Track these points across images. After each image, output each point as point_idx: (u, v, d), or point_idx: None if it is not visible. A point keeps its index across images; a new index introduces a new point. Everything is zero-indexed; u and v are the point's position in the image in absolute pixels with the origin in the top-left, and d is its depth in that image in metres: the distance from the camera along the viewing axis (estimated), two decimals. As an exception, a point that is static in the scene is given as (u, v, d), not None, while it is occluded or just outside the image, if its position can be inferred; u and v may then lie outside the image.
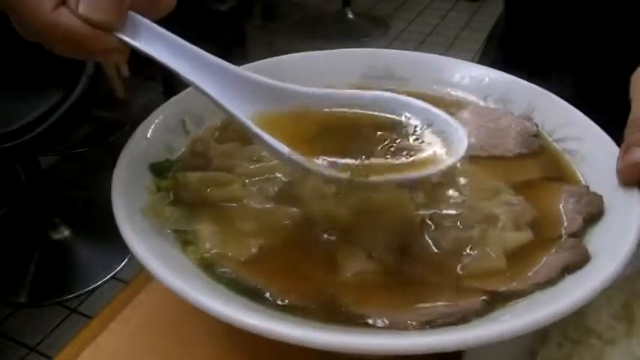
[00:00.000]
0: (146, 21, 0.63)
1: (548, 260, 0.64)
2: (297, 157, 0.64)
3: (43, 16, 0.56)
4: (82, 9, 0.57)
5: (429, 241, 0.67)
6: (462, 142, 0.67)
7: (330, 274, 0.64)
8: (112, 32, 0.60)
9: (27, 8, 0.57)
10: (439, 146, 0.68)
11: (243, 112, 0.67)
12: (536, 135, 0.83)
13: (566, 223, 0.69)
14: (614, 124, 0.78)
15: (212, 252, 0.65)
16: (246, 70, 0.71)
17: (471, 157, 0.80)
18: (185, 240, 0.67)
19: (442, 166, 0.65)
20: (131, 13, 0.62)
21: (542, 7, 1.30)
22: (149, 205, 0.69)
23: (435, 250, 0.66)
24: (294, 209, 0.70)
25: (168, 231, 0.68)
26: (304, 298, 0.61)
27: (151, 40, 0.64)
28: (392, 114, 0.71)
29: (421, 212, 0.70)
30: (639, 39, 1.11)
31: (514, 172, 0.78)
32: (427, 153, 0.67)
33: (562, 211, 0.71)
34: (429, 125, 0.70)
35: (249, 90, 0.70)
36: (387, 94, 0.73)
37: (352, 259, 0.65)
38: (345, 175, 0.63)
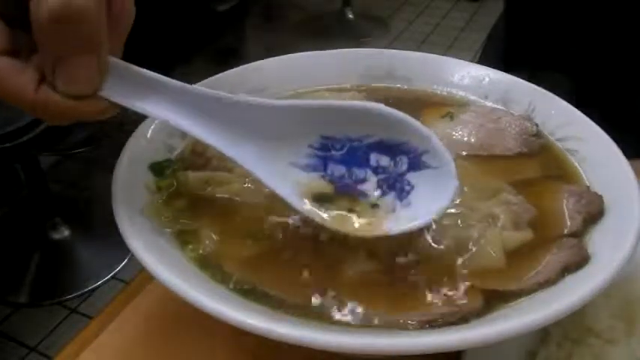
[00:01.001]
0: (132, 67, 0.60)
1: (548, 260, 0.64)
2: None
3: (27, 99, 0.55)
4: (60, 86, 0.55)
5: (429, 240, 0.67)
6: (452, 183, 0.64)
7: (330, 274, 0.64)
8: (97, 96, 0.57)
9: (10, 97, 0.55)
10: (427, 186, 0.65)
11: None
12: (537, 135, 0.83)
13: (566, 223, 0.69)
14: (613, 124, 0.78)
15: (210, 251, 0.65)
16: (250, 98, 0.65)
17: (471, 157, 0.80)
18: (184, 239, 0.67)
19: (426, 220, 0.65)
20: (114, 61, 0.58)
21: (543, 7, 1.30)
22: (149, 205, 0.69)
23: (435, 250, 0.66)
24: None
25: (168, 231, 0.68)
26: (304, 297, 0.61)
27: (142, 90, 0.61)
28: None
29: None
30: (638, 40, 1.12)
31: (514, 171, 0.78)
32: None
33: (562, 210, 0.71)
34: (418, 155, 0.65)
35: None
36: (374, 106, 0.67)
37: (352, 258, 0.65)
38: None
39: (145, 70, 0.61)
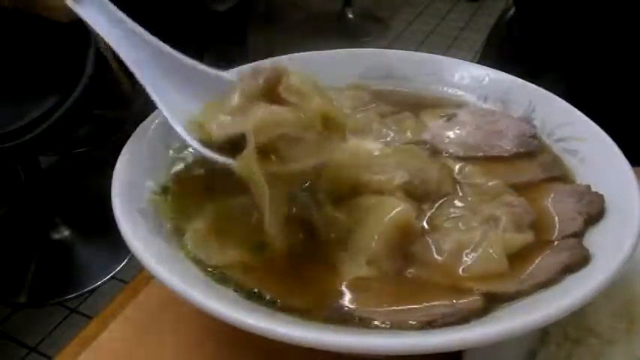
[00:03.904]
0: None
1: (549, 261, 0.64)
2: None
3: None
4: None
5: (430, 242, 0.67)
6: None
7: (329, 278, 0.64)
8: None
9: None
10: None
11: (182, 111, 0.70)
12: (535, 137, 0.83)
13: (566, 223, 0.69)
14: (613, 124, 0.78)
15: (199, 253, 0.66)
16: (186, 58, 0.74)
17: (470, 158, 0.80)
18: (184, 240, 0.67)
19: None
20: None
21: (547, 8, 1.30)
22: (150, 203, 0.69)
23: (437, 252, 0.66)
24: (294, 213, 0.70)
25: (169, 231, 0.68)
26: (304, 300, 0.61)
27: (92, 5, 0.68)
28: None
29: (422, 214, 0.70)
30: (637, 41, 1.12)
31: (514, 173, 0.78)
32: None
33: (563, 211, 0.71)
34: None
35: (194, 81, 0.73)
36: None
37: (352, 264, 0.65)
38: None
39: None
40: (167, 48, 0.73)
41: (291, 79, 0.67)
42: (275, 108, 0.65)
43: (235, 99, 0.67)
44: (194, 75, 0.74)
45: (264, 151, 0.63)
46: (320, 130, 0.65)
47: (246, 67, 0.73)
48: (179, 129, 0.69)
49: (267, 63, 0.78)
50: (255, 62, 0.91)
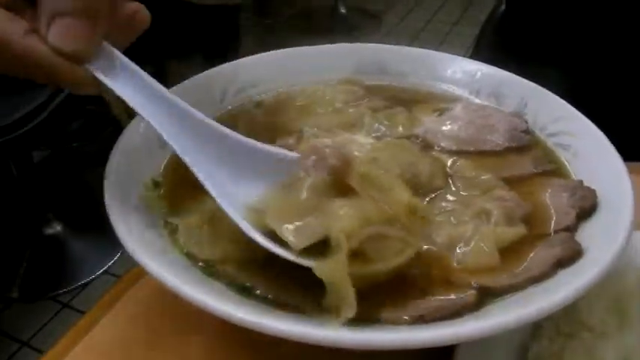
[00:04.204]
0: (123, 57, 0.62)
1: (541, 255, 0.65)
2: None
3: (12, 42, 0.55)
4: (51, 37, 0.56)
5: (423, 236, 0.67)
6: None
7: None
8: (83, 64, 0.58)
9: None
10: None
11: (234, 197, 0.65)
12: (526, 131, 0.83)
13: (559, 218, 0.70)
14: (606, 119, 0.78)
15: (203, 247, 0.65)
16: (226, 128, 0.68)
17: (461, 152, 0.80)
18: (176, 235, 0.67)
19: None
20: (107, 46, 0.60)
21: (539, 2, 1.30)
22: (142, 198, 0.69)
23: (428, 246, 0.66)
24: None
25: (161, 225, 0.67)
26: (296, 294, 0.60)
27: (126, 79, 0.62)
28: None
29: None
30: (634, 37, 1.12)
31: (505, 167, 0.78)
32: None
33: (555, 205, 0.71)
34: None
35: (252, 163, 0.67)
36: None
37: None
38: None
39: (138, 68, 0.62)
40: (221, 128, 0.67)
41: (360, 167, 0.65)
42: (357, 204, 0.62)
43: (304, 194, 0.63)
44: (252, 156, 0.67)
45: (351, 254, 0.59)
46: (405, 224, 0.63)
47: (308, 150, 0.67)
48: (243, 225, 0.62)
49: (328, 143, 0.74)
50: (247, 57, 0.91)
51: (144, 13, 0.63)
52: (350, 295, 0.56)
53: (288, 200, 0.63)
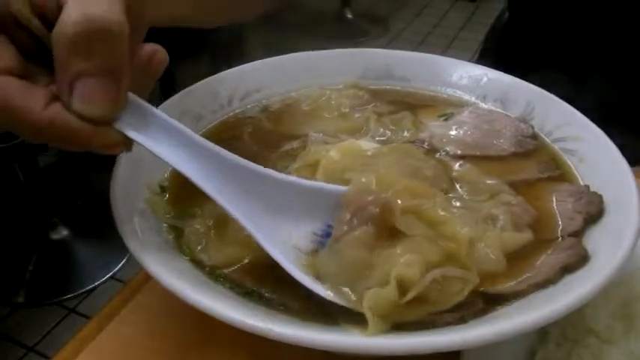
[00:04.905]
0: (151, 108, 0.59)
1: (548, 260, 0.64)
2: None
3: (34, 115, 0.52)
4: (75, 105, 0.53)
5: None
6: None
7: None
8: (112, 124, 0.56)
9: (15, 116, 0.52)
10: None
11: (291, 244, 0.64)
12: (533, 136, 0.83)
13: (565, 223, 0.69)
14: (611, 124, 0.78)
15: (209, 253, 0.65)
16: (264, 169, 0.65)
17: (467, 157, 0.80)
18: (182, 240, 0.67)
19: None
20: (133, 98, 0.57)
21: (544, 7, 1.30)
22: (149, 203, 0.69)
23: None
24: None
25: (167, 230, 0.68)
26: (302, 299, 0.60)
27: (157, 132, 0.59)
28: None
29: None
30: (638, 41, 1.12)
31: (511, 171, 0.78)
32: None
33: (561, 210, 0.71)
34: None
35: (299, 205, 0.65)
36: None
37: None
38: None
39: (165, 115, 0.60)
40: (259, 168, 0.64)
41: (404, 209, 0.63)
42: (413, 247, 0.60)
43: (354, 252, 0.60)
44: (297, 198, 0.65)
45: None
46: (464, 261, 0.61)
47: (350, 193, 0.64)
48: (297, 274, 0.60)
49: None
50: (254, 62, 0.91)
51: (162, 54, 0.59)
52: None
53: (341, 263, 0.61)
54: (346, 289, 0.59)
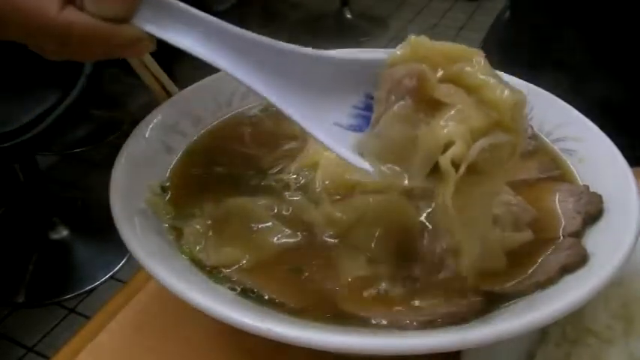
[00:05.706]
0: (170, 1, 0.58)
1: (548, 260, 0.64)
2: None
3: (50, 18, 0.52)
4: (88, 5, 0.53)
5: (429, 241, 0.67)
6: None
7: (329, 277, 0.63)
8: (128, 22, 0.55)
9: (30, 19, 0.53)
10: None
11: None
12: (533, 137, 0.83)
13: (565, 223, 0.69)
14: (611, 124, 0.78)
15: (197, 252, 0.66)
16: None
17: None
18: (182, 240, 0.67)
19: None
20: None
21: (545, 6, 1.30)
22: (148, 203, 0.69)
23: (435, 251, 0.66)
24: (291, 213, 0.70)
25: (167, 231, 0.68)
26: (302, 299, 0.60)
27: (179, 24, 0.58)
28: None
29: (421, 213, 0.70)
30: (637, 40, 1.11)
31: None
32: None
33: (561, 210, 0.71)
34: None
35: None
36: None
37: (352, 264, 0.64)
38: None
39: (182, 4, 0.58)
40: (297, 48, 0.62)
41: (440, 78, 0.60)
42: (456, 116, 0.57)
43: (396, 129, 0.58)
44: (332, 73, 0.63)
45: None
46: (509, 124, 0.57)
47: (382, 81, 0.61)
48: (353, 159, 0.59)
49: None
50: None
51: None
52: None
53: (385, 142, 0.59)
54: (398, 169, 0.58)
